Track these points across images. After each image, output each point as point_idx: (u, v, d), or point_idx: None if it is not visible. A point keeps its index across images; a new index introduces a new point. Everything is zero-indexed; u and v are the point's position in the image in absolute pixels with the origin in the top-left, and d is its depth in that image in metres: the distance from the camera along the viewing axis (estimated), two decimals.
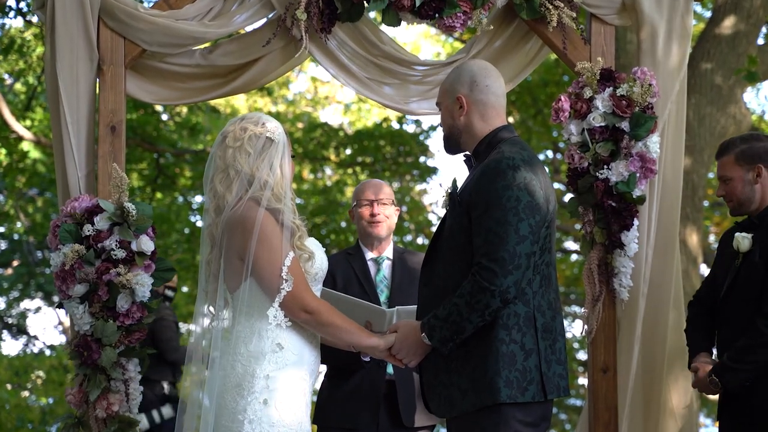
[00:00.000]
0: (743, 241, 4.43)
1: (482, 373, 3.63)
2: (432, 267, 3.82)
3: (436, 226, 3.92)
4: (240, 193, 3.75)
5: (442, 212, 16.36)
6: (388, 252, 5.10)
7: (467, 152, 3.92)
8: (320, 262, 3.84)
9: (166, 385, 7.62)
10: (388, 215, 5.07)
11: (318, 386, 5.12)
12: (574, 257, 15.84)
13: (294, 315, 3.71)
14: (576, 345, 16.05)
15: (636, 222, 4.82)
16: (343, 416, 4.89)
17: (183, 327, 16.88)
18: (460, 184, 3.85)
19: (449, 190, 3.87)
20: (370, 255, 5.08)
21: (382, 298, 4.99)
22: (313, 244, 3.84)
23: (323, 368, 5.14)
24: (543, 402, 3.68)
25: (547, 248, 3.73)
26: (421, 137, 14.58)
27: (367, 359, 4.85)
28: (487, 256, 3.58)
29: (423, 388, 3.85)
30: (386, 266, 5.08)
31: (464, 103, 3.84)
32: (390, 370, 4.89)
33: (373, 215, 5.04)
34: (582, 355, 15.88)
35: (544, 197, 3.68)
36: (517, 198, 3.61)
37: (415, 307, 4.56)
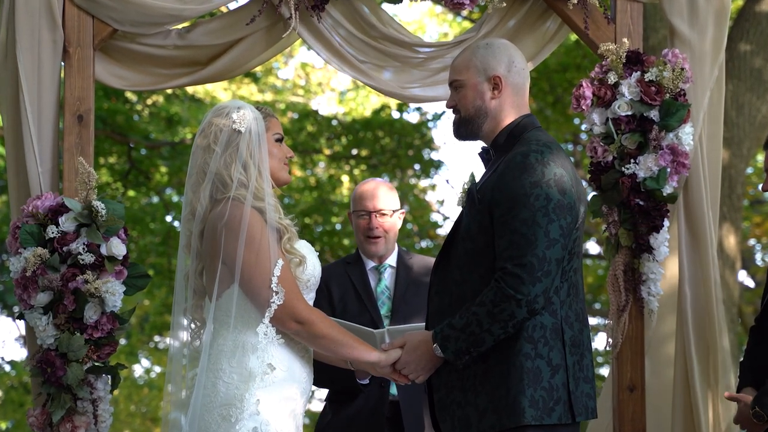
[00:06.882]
0: None
1: (504, 392, 3.61)
2: (445, 273, 3.80)
3: (450, 227, 3.88)
4: (215, 195, 3.75)
5: (448, 212, 16.35)
6: (392, 259, 5.06)
7: (483, 144, 3.89)
8: (312, 267, 3.83)
9: None
10: (388, 228, 4.99)
11: (320, 410, 5.09)
12: (597, 262, 15.84)
13: (283, 325, 3.71)
14: (600, 359, 16.05)
15: (666, 223, 4.81)
16: None
17: (158, 339, 16.90)
18: (478, 179, 3.82)
19: (466, 186, 3.85)
20: (371, 264, 5.04)
21: (383, 311, 4.95)
22: (304, 248, 3.83)
23: (324, 392, 5.11)
24: (570, 424, 3.67)
25: (575, 253, 3.72)
26: (425, 128, 14.54)
27: (366, 382, 4.83)
28: (512, 261, 3.57)
29: (433, 408, 3.83)
30: (388, 275, 5.03)
31: (502, 85, 3.82)
32: (393, 390, 4.87)
33: (370, 229, 4.97)
34: (603, 371, 15.88)
35: (575, 196, 3.67)
36: (546, 196, 3.59)
37: (409, 326, 4.55)
